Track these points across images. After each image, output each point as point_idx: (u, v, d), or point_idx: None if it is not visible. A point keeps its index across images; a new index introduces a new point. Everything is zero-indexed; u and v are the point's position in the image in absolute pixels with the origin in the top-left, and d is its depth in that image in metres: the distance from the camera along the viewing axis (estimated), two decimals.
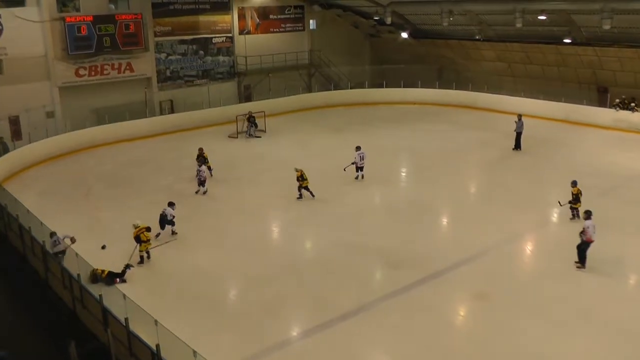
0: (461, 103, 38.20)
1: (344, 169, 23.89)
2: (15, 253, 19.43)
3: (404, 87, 39.78)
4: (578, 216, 19.13)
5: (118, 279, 16.29)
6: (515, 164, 26.35)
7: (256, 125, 32.85)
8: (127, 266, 16.59)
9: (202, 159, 24.78)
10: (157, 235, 18.55)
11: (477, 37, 37.51)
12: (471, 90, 37.83)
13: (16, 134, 29.78)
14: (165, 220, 18.83)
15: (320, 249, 18.52)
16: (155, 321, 12.00)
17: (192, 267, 17.26)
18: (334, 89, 41.19)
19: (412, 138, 31.24)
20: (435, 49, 40.66)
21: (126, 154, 30.02)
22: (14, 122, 30.14)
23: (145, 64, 35.08)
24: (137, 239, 17.49)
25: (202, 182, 23.36)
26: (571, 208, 19.44)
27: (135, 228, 17.58)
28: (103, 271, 16.33)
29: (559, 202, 19.47)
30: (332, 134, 32.33)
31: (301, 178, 22.21)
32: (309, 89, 41.74)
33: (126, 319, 12.81)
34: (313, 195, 22.16)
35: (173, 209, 18.80)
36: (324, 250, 18.25)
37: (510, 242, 18.48)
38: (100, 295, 13.91)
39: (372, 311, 14.79)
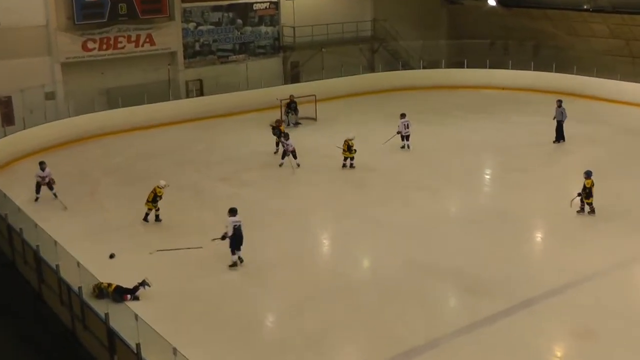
0: (563, 89, 37.41)
1: (384, 143, 25.26)
2: (2, 259, 19.87)
3: (489, 67, 39.32)
4: (591, 211, 20.34)
5: (129, 296, 16.42)
6: (635, 169, 25.70)
7: (297, 112, 33.03)
8: (143, 283, 16.70)
9: (278, 131, 27.56)
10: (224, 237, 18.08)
11: (585, 7, 36.86)
12: (576, 74, 37.14)
13: (7, 119, 30.45)
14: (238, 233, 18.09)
15: (379, 267, 18.43)
16: (174, 350, 12.07)
17: (222, 284, 17.36)
18: (402, 69, 41.02)
19: (500, 132, 30.80)
20: (530, 21, 40.04)
21: (142, 145, 30.48)
22: (5, 104, 30.88)
23: (169, 36, 35.63)
24: (154, 199, 20.67)
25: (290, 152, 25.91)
26: (581, 201, 20.57)
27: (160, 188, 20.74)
28: (110, 285, 16.49)
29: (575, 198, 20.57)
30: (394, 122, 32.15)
31: (348, 149, 25.24)
32: (371, 68, 41.67)
33: (137, 345, 12.89)
34: (353, 166, 25.48)
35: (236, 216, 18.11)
36: (383, 269, 18.14)
37: (623, 268, 18.05)
38: (106, 314, 14.04)
39: (443, 348, 14.62)
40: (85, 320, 15.26)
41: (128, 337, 13.31)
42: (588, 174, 20.60)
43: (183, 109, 34.34)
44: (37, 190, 23.38)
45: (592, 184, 20.44)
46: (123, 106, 32.29)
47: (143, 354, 12.82)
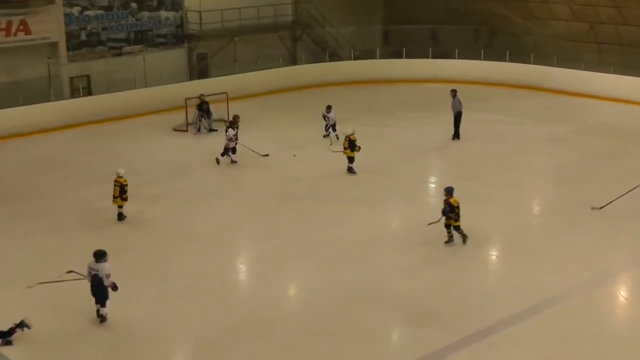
0: (519, 82, 38.33)
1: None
2: None
3: (433, 57, 39.87)
4: (463, 237, 20.39)
5: (0, 340, 15.97)
6: (601, 171, 26.39)
7: (210, 115, 32.92)
8: (21, 324, 16.26)
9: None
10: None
11: None
12: (534, 63, 37.96)
13: None
14: (101, 285, 17.26)
15: (309, 296, 18.39)
16: None
17: (121, 320, 17.02)
18: (329, 60, 41.23)
19: (448, 133, 31.16)
20: (479, 2, 40.78)
21: (19, 156, 29.90)
22: None
23: (48, 23, 35.23)
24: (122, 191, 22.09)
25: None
26: (447, 227, 20.46)
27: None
28: None
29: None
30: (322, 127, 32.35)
31: (350, 146, 26.13)
32: (293, 60, 41.84)
33: None
34: (353, 171, 26.42)
35: (105, 259, 17.12)
36: (315, 297, 18.10)
37: (596, 286, 18.43)
38: None
39: None
40: None
41: None
42: (449, 191, 20.27)
43: (67, 111, 33.90)
44: None
45: (457, 203, 20.13)
46: None
47: None
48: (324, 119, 30.56)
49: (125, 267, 18.96)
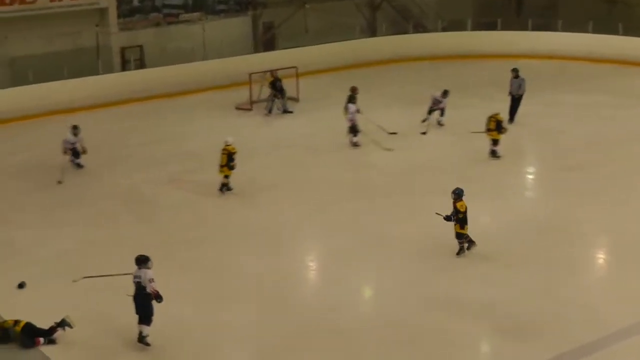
0: (633, 59, 37.69)
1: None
2: None
3: (532, 29, 39.42)
4: (470, 244, 19.93)
5: (42, 339, 16.28)
6: None
7: (284, 94, 32.97)
8: (62, 323, 16.54)
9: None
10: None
11: None
12: None
13: None
14: (144, 296, 16.87)
15: (384, 303, 18.34)
16: None
17: (170, 325, 17.04)
18: (413, 31, 41.04)
19: (546, 117, 30.79)
20: None
21: (61, 135, 30.28)
22: None
23: None
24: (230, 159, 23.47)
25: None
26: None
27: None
28: (17, 322, 16.36)
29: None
30: (407, 109, 32.26)
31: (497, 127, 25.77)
32: (372, 31, 41.74)
33: None
34: (496, 154, 26.28)
35: (149, 266, 16.93)
36: (390, 305, 18.05)
37: None
38: None
39: None
40: None
41: None
42: (458, 194, 19.81)
43: (117, 86, 34.46)
44: (75, 157, 26.37)
45: (465, 208, 19.69)
46: (34, 82, 32.35)
47: None
48: (433, 102, 30.01)
49: (175, 263, 19.33)
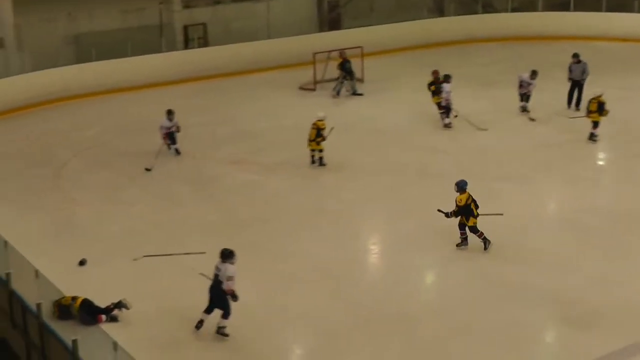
0: None
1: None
2: None
3: (606, 10, 38.84)
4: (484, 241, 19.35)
5: (104, 316, 16.49)
6: None
7: (353, 76, 32.82)
8: (119, 304, 16.74)
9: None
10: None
11: None
12: None
13: None
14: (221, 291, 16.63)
15: (448, 290, 18.32)
16: None
17: (234, 307, 17.23)
18: (482, 11, 40.68)
19: (622, 102, 30.20)
20: None
21: (124, 113, 30.70)
22: None
23: None
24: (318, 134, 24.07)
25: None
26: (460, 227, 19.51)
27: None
28: (75, 299, 16.49)
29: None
30: (477, 91, 32.08)
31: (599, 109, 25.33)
32: (440, 11, 41.45)
33: None
34: (595, 138, 25.95)
35: (233, 262, 16.47)
36: (454, 292, 18.01)
37: None
38: (73, 342, 13.99)
39: None
40: (44, 349, 15.32)
41: None
42: (462, 186, 19.25)
43: (180, 64, 34.61)
44: (172, 142, 25.84)
45: (472, 200, 19.23)
46: (97, 59, 32.61)
47: None
48: (521, 84, 29.35)
49: (238, 244, 18.75)
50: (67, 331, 14.96)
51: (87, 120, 30.14)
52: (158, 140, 25.67)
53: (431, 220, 20.38)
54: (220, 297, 15.97)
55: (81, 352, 13.85)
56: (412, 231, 20.63)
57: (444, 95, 27.56)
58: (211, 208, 22.38)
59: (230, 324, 16.11)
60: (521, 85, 29.08)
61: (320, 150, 24.63)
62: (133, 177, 24.57)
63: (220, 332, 16.07)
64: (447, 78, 27.68)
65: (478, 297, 17.54)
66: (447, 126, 27.80)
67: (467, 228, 19.30)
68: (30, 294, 15.93)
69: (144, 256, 18.93)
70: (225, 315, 15.99)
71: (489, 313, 16.94)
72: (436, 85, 28.05)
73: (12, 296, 16.47)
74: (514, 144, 26.75)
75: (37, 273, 16.01)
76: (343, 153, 25.93)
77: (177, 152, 25.84)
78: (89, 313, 16.36)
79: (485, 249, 19.29)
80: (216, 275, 15.87)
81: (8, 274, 16.60)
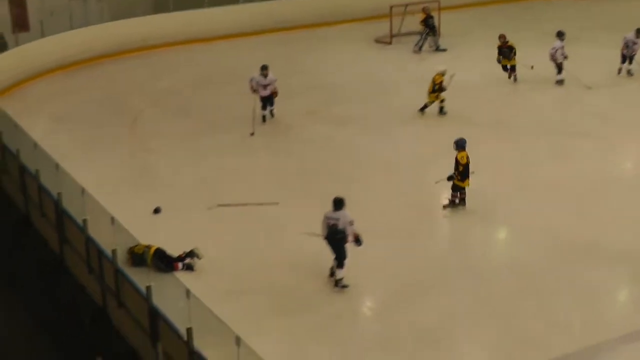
0: None
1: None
2: (13, 211, 20.65)
3: None
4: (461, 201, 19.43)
5: (180, 264, 16.81)
6: None
7: (436, 32, 32.79)
8: (192, 253, 17.03)
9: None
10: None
11: None
12: None
13: (19, 23, 30.69)
14: (340, 239, 16.57)
15: (518, 247, 18.36)
16: (237, 338, 12.20)
17: (304, 256, 17.42)
18: None
19: None
20: None
21: (200, 64, 31.14)
22: (18, 2, 31.07)
23: None
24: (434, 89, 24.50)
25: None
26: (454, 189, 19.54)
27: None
28: (149, 247, 16.88)
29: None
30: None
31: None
32: None
33: (189, 331, 13.07)
34: None
35: (343, 209, 16.42)
36: (524, 250, 18.04)
37: None
38: (147, 288, 14.31)
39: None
40: (120, 295, 15.72)
41: (176, 319, 13.57)
42: (460, 145, 19.12)
43: (256, 15, 34.82)
44: (264, 106, 24.93)
45: (468, 160, 19.03)
46: (174, 10, 32.97)
47: (195, 343, 12.95)
48: (625, 44, 28.55)
49: (312, 196, 19.27)
50: (141, 277, 15.27)
51: (164, 70, 30.55)
52: (227, 89, 25.82)
53: (505, 175, 20.75)
54: (337, 246, 16.16)
55: (155, 299, 14.16)
56: (485, 186, 20.22)
57: (550, 51, 27.33)
58: (285, 158, 22.75)
59: (304, 275, 16.52)
60: (627, 45, 28.33)
61: (442, 100, 25.11)
62: (208, 127, 24.92)
63: (340, 284, 16.23)
64: (560, 35, 27.35)
65: (549, 256, 17.51)
66: (559, 82, 27.67)
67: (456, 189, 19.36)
68: (105, 241, 16.23)
69: (218, 205, 19.24)
70: (340, 264, 16.15)
71: (559, 272, 16.92)
72: (501, 50, 27.82)
73: (89, 242, 16.81)
74: (603, 104, 26.56)
75: (112, 220, 16.27)
76: (417, 106, 25.65)
77: (271, 114, 25.21)
78: (163, 261, 16.74)
79: (444, 208, 19.56)
80: (334, 225, 15.99)
81: (85, 220, 16.91)
